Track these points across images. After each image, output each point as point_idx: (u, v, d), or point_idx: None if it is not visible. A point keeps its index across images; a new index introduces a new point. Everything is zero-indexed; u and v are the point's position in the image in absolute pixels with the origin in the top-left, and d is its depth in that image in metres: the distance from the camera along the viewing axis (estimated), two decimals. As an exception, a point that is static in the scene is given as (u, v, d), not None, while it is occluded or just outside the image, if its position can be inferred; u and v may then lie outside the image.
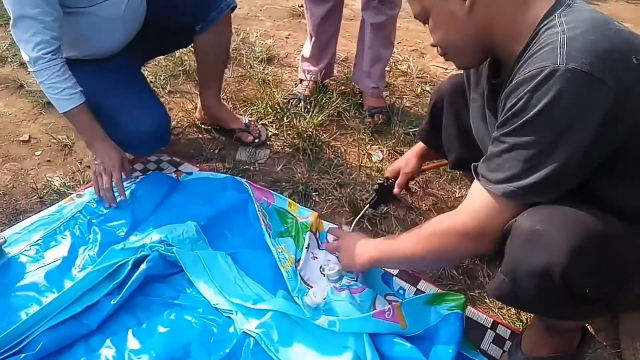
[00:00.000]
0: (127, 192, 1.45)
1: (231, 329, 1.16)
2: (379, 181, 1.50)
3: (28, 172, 1.63)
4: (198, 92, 1.87)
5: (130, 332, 1.13)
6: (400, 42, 2.73)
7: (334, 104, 1.99)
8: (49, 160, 1.69)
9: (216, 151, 1.77)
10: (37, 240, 1.32)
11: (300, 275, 1.25)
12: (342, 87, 2.18)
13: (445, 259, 0.96)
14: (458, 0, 0.87)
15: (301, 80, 2.13)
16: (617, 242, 0.77)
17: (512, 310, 1.27)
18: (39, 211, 1.43)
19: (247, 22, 2.89)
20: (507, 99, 0.82)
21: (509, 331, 1.22)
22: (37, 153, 1.72)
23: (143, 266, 1.23)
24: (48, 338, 1.07)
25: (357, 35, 2.03)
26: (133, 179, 1.53)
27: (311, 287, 1.23)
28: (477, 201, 0.88)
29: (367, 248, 1.16)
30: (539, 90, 0.76)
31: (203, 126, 1.88)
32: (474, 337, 1.21)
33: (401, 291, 1.29)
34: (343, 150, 1.83)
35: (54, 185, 1.56)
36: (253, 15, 3.02)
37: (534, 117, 0.78)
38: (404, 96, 2.23)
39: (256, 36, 2.64)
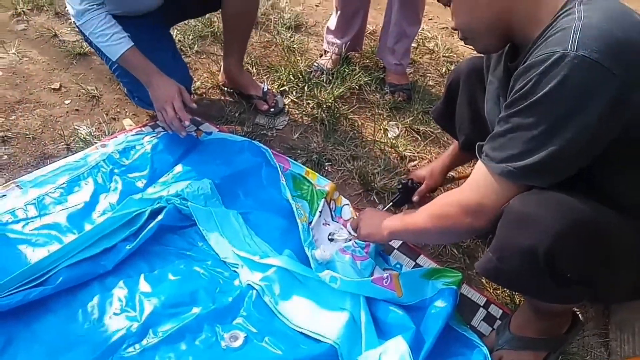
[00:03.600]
0: (149, 146, 1.51)
1: (236, 282, 1.23)
2: (402, 181, 1.52)
3: (57, 119, 1.70)
4: (220, 52, 1.91)
5: (142, 276, 1.21)
6: (431, 19, 2.70)
7: (356, 77, 2.00)
8: (77, 110, 1.76)
9: (236, 114, 1.82)
10: (62, 184, 1.40)
11: (312, 233, 1.31)
12: (367, 61, 2.19)
13: (448, 233, 1.00)
14: None
15: (325, 52, 2.15)
16: (607, 230, 0.80)
17: (507, 292, 1.31)
18: (65, 157, 1.51)
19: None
20: (516, 81, 0.84)
21: (500, 311, 1.26)
22: (67, 102, 1.79)
23: (160, 217, 1.30)
24: (67, 274, 1.16)
25: (385, 10, 2.02)
26: (155, 134, 1.59)
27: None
28: (479, 178, 0.91)
29: (387, 221, 1.20)
30: (547, 74, 0.78)
31: (226, 89, 1.92)
32: (466, 313, 1.26)
33: (398, 265, 1.34)
34: (360, 123, 1.86)
35: (81, 133, 1.63)
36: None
37: (539, 100, 0.80)
38: (428, 74, 2.23)
39: (286, 2, 2.64)
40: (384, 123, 1.87)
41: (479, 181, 0.91)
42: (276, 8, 2.58)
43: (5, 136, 1.60)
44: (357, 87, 2.01)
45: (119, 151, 1.52)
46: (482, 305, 1.27)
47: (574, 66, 0.76)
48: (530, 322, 1.12)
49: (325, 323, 1.12)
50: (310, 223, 1.35)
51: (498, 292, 1.32)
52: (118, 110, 1.78)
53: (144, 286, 1.19)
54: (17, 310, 1.09)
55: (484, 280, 1.34)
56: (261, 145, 1.59)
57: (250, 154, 1.55)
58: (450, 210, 0.95)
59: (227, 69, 1.86)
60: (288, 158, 1.58)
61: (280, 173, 1.45)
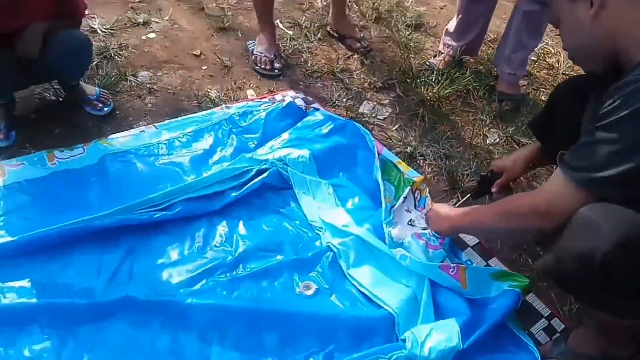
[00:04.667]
0: (264, 114, 1.72)
1: (317, 243, 1.39)
2: (482, 173, 1.57)
3: (194, 81, 1.98)
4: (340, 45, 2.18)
5: (241, 221, 1.42)
6: (557, 35, 2.62)
7: (465, 80, 2.05)
8: (211, 75, 2.03)
9: (343, 100, 1.97)
10: (189, 132, 1.66)
11: (392, 214, 1.43)
12: (481, 67, 2.22)
13: (514, 232, 1.06)
14: (585, 7, 0.93)
15: (439, 53, 2.22)
16: None
17: (573, 309, 1.32)
18: (195, 112, 1.77)
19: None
20: (607, 97, 0.88)
21: (562, 326, 1.28)
22: (204, 67, 2.07)
23: (264, 175, 1.50)
24: (184, 206, 1.40)
25: (508, 18, 2.04)
26: (270, 104, 1.79)
27: None
28: (554, 183, 0.97)
29: (450, 216, 1.29)
30: (636, 95, 0.82)
31: (338, 75, 2.08)
32: (527, 320, 1.29)
33: (469, 262, 1.40)
34: (460, 125, 1.92)
35: (211, 96, 1.89)
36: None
37: (625, 117, 0.84)
38: (542, 89, 2.21)
39: (412, 1, 2.73)
40: (485, 129, 1.91)
41: (554, 186, 0.96)
42: (400, 6, 2.68)
43: (152, 88, 1.90)
44: (464, 90, 2.06)
45: (239, 114, 1.74)
46: (545, 316, 1.30)
47: None
48: (590, 339, 1.14)
49: (389, 293, 1.24)
50: (392, 206, 1.46)
51: (565, 308, 1.33)
52: (244, 81, 2.02)
53: (241, 229, 1.39)
54: (140, 227, 1.34)
55: (552, 294, 1.36)
56: (362, 127, 1.72)
57: (350, 134, 1.69)
58: (520, 210, 1.02)
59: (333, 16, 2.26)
60: (383, 146, 1.70)
61: (376, 155, 1.57)
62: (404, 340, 1.11)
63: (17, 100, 1.67)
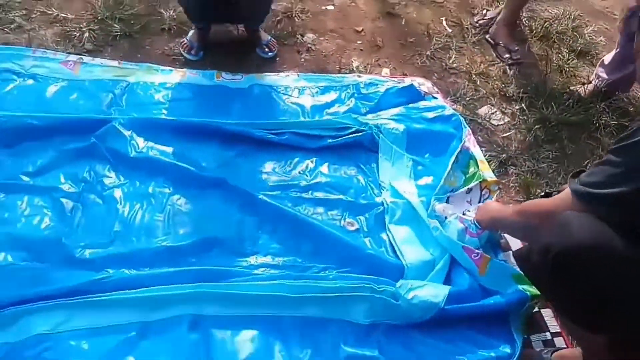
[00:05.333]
0: (385, 88, 1.99)
1: (378, 199, 1.64)
2: (547, 190, 1.61)
3: (345, 51, 2.31)
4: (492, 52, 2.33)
5: (327, 163, 1.73)
6: None
7: (600, 113, 2.01)
8: (361, 50, 2.35)
9: (467, 98, 2.11)
10: (321, 86, 2.02)
11: (448, 196, 1.60)
12: (630, 107, 2.13)
13: (523, 231, 1.17)
14: None
15: (589, 82, 2.18)
16: (626, 267, 0.89)
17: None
18: (334, 74, 2.13)
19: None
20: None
21: (564, 346, 1.32)
22: (359, 42, 2.39)
23: (360, 134, 1.79)
24: (290, 137, 1.78)
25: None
26: (396, 82, 2.05)
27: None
28: (565, 193, 1.07)
29: (493, 209, 1.41)
30: None
31: (474, 76, 2.21)
32: (532, 328, 1.36)
33: (503, 261, 1.48)
34: (569, 152, 1.91)
35: (353, 65, 2.21)
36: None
37: (631, 145, 0.92)
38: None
39: (591, 30, 2.63)
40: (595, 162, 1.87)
41: (561, 196, 1.07)
42: (576, 32, 2.62)
43: (311, 48, 2.30)
44: (595, 123, 2.02)
45: (365, 84, 2.04)
46: (550, 330, 1.35)
47: None
48: (573, 358, 1.19)
49: (411, 252, 1.44)
50: (453, 190, 1.62)
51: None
52: (386, 61, 2.29)
53: (324, 168, 1.72)
54: (255, 140, 1.75)
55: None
56: (465, 123, 1.87)
57: (452, 125, 1.86)
58: (529, 213, 1.14)
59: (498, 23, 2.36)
60: (477, 145, 1.83)
61: (460, 145, 1.73)
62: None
63: (212, 32, 2.22)
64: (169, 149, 1.65)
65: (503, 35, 2.38)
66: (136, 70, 1.98)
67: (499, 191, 1.69)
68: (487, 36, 2.44)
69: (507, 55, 2.33)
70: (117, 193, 1.54)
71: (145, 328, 1.23)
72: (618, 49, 2.02)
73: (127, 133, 1.66)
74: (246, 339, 1.23)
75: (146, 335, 1.22)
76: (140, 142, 1.66)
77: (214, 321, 1.24)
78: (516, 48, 2.37)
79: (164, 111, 1.80)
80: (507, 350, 1.25)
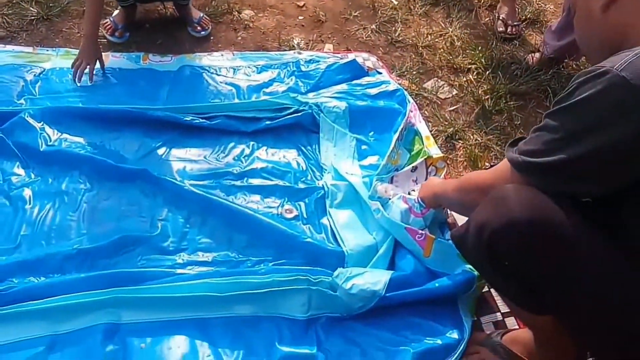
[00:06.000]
0: (325, 65, 1.87)
1: (319, 183, 1.53)
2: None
3: (285, 27, 2.17)
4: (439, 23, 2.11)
5: (265, 147, 1.61)
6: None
7: (550, 81, 1.95)
8: (302, 25, 2.21)
9: (413, 72, 2.01)
10: (258, 64, 1.90)
11: (392, 175, 1.50)
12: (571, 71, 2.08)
13: (465, 206, 1.08)
14: None
15: (531, 52, 2.12)
16: (568, 246, 0.80)
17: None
18: (273, 51, 1.99)
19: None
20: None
21: (516, 326, 1.25)
22: (300, 17, 2.25)
23: (299, 114, 1.67)
24: (223, 121, 1.65)
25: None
26: (338, 58, 1.93)
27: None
28: (502, 164, 0.98)
29: (435, 184, 1.32)
30: (585, 84, 0.81)
31: (420, 49, 2.11)
32: (483, 309, 1.29)
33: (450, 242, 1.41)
34: (519, 123, 1.85)
35: (293, 42, 2.08)
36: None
37: (568, 107, 0.83)
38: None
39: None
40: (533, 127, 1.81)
41: (500, 166, 0.98)
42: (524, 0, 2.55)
43: (248, 25, 2.16)
44: (545, 92, 1.96)
45: (306, 61, 1.91)
46: (501, 311, 1.28)
47: (611, 84, 0.77)
48: (524, 340, 1.12)
49: (352, 237, 1.34)
50: (397, 169, 1.52)
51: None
52: (329, 36, 2.17)
53: (261, 152, 1.59)
54: (183, 126, 1.61)
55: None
56: (410, 98, 1.77)
57: (397, 100, 1.76)
58: (469, 187, 1.04)
59: None
60: (422, 120, 1.74)
61: (403, 122, 1.63)
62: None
63: (140, 11, 2.05)
64: (85, 140, 1.50)
65: (505, 10, 2.24)
66: (52, 55, 1.81)
67: (445, 168, 1.60)
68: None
69: (501, 29, 2.22)
70: (27, 192, 1.38)
71: (54, 341, 1.10)
72: (564, 13, 1.95)
73: (37, 125, 1.49)
74: (169, 346, 1.10)
75: (56, 349, 1.09)
76: (52, 134, 1.49)
77: (131, 329, 1.11)
78: (515, 23, 2.25)
79: (82, 99, 1.63)
80: (455, 335, 1.17)
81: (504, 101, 1.90)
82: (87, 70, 1.68)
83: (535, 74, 1.98)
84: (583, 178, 0.83)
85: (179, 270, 1.23)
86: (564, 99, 0.85)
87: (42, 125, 1.50)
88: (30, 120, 1.49)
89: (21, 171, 1.43)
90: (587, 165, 0.81)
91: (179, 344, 1.11)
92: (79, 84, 1.67)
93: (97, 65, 1.70)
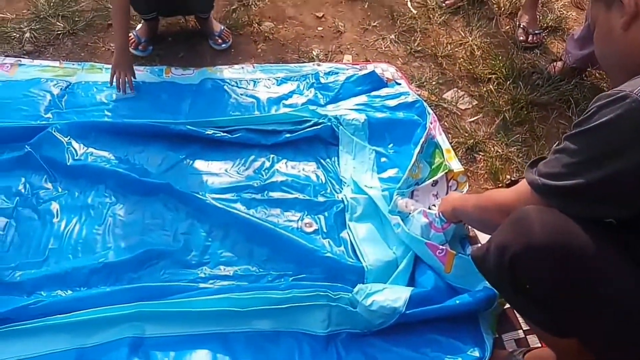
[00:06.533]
0: (344, 77, 1.87)
1: (338, 196, 1.53)
2: (512, 178, 1.55)
3: (305, 38, 2.19)
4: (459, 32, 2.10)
5: (285, 160, 1.63)
6: None
7: (571, 92, 1.93)
8: (322, 37, 2.22)
9: (433, 83, 2.01)
10: (278, 77, 1.91)
11: (413, 190, 1.50)
12: (602, 82, 2.04)
13: (485, 224, 1.08)
14: (618, 15, 0.89)
15: (553, 61, 2.09)
16: (590, 269, 0.80)
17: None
18: (292, 63, 2.01)
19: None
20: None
21: (538, 344, 1.24)
22: (319, 28, 2.27)
23: (319, 127, 1.68)
24: (244, 134, 1.66)
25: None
26: (357, 69, 1.93)
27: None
28: (521, 184, 0.97)
29: (455, 199, 1.32)
30: (605, 108, 0.80)
31: (439, 58, 2.11)
32: (504, 326, 1.28)
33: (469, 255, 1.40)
34: (539, 135, 1.83)
35: (313, 54, 2.09)
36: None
37: (588, 131, 0.82)
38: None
39: (563, 4, 2.54)
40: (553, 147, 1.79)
41: (520, 187, 0.97)
42: (547, 7, 2.52)
43: (268, 37, 2.18)
44: (567, 102, 1.93)
45: (325, 72, 1.93)
46: (523, 328, 1.27)
47: (630, 109, 0.76)
48: (547, 359, 1.11)
49: (372, 252, 1.34)
50: (418, 183, 1.52)
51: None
52: (348, 47, 2.18)
53: (281, 165, 1.61)
54: (204, 140, 1.63)
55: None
56: (430, 109, 1.77)
57: (417, 112, 1.76)
58: (488, 205, 1.04)
59: None
60: (442, 132, 1.73)
61: (424, 135, 1.62)
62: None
63: (162, 24, 2.09)
64: (110, 155, 1.53)
65: (525, 19, 2.22)
66: (78, 69, 1.86)
67: (466, 182, 1.59)
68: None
69: (522, 38, 2.21)
70: (54, 206, 1.42)
71: (81, 354, 1.13)
72: (586, 22, 1.92)
73: (64, 139, 1.53)
74: (192, 360, 1.12)
75: (83, 363, 1.11)
76: (79, 148, 1.53)
77: (155, 342, 1.13)
78: (536, 31, 2.22)
79: (107, 113, 1.67)
80: (476, 353, 1.17)
81: (525, 112, 1.89)
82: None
83: (557, 84, 1.96)
84: (603, 201, 0.82)
85: (201, 285, 1.25)
86: (584, 122, 0.84)
87: (69, 139, 1.54)
88: (57, 135, 1.53)
89: (49, 185, 1.47)
90: (607, 189, 0.80)
91: (201, 358, 1.13)
92: (124, 95, 1.72)
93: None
